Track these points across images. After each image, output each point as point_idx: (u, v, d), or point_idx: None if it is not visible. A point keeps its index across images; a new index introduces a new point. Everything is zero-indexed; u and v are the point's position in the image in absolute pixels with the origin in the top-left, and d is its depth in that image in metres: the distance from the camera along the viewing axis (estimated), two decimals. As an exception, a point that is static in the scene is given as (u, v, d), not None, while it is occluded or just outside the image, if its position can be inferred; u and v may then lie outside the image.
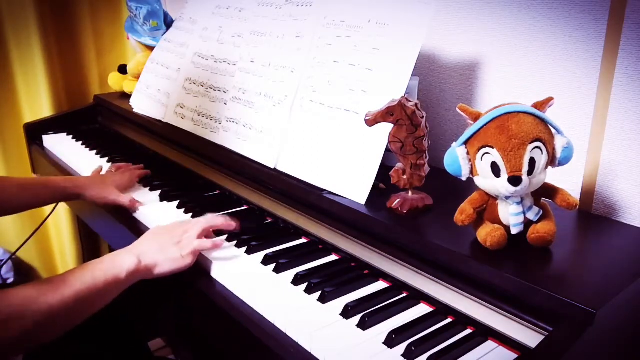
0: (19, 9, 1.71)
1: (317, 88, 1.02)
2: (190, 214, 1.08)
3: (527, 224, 0.74)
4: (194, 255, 0.88)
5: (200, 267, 0.91)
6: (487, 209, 0.75)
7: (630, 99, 0.85)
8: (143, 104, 1.51)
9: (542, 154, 0.70)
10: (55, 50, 1.83)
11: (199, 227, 0.91)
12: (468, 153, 0.74)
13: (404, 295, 0.81)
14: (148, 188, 1.23)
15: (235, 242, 0.96)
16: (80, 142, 1.62)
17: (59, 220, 1.94)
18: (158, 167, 1.36)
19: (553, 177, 0.78)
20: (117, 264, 0.81)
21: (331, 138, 0.97)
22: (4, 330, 0.67)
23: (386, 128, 0.84)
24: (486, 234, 0.73)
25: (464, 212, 0.75)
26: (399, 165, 0.87)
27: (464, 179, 0.75)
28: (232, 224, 0.95)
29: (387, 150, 0.88)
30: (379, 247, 0.85)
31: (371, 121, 0.83)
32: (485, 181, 0.73)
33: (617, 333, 0.71)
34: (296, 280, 0.84)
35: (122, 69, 1.74)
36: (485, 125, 0.71)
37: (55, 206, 1.28)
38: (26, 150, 1.76)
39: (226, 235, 0.97)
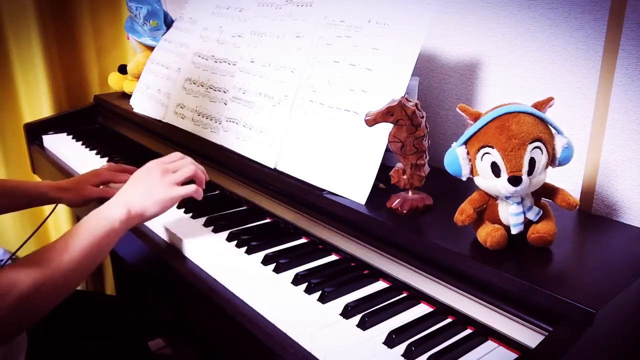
0: (19, 9, 1.71)
1: (317, 88, 1.02)
2: (190, 214, 1.08)
3: (527, 224, 0.74)
4: (180, 197, 0.92)
5: (200, 267, 0.91)
6: (487, 209, 0.76)
7: (630, 99, 0.85)
8: (143, 104, 1.51)
9: (542, 154, 0.70)
10: (55, 50, 1.83)
11: (183, 175, 0.93)
12: (468, 153, 0.74)
13: (404, 295, 0.81)
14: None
15: (235, 242, 0.96)
16: (80, 142, 1.62)
17: (59, 220, 1.94)
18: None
19: (553, 177, 0.78)
20: (110, 216, 0.85)
21: (331, 138, 0.97)
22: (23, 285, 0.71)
23: (386, 128, 0.84)
24: (486, 234, 0.73)
25: (464, 212, 0.75)
26: (399, 165, 0.87)
27: (464, 179, 0.75)
28: (203, 185, 0.99)
29: (387, 150, 0.88)
30: (379, 247, 0.85)
31: (371, 121, 0.83)
32: (485, 181, 0.73)
33: (617, 333, 0.71)
34: (296, 280, 0.84)
35: (122, 69, 1.73)
36: (485, 125, 0.71)
37: (55, 206, 1.28)
38: (26, 150, 1.76)
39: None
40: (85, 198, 1.17)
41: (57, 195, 1.17)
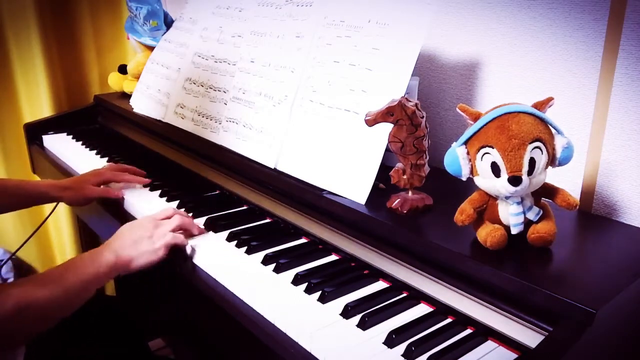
0: (19, 9, 1.71)
1: (317, 88, 1.02)
2: (190, 214, 1.08)
3: (527, 224, 0.74)
4: (167, 248, 0.92)
5: (200, 267, 0.91)
6: (487, 209, 0.75)
7: (630, 99, 0.85)
8: (143, 104, 1.51)
9: (542, 154, 0.70)
10: (55, 50, 1.83)
11: (171, 225, 0.95)
12: (468, 153, 0.74)
13: (404, 295, 0.81)
14: (148, 188, 1.23)
15: (235, 242, 0.96)
16: (80, 142, 1.62)
17: (59, 220, 1.94)
18: (158, 167, 1.36)
19: (553, 177, 0.78)
20: (98, 260, 0.87)
21: (331, 138, 0.97)
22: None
23: (386, 128, 0.84)
24: (486, 234, 0.73)
25: (464, 212, 0.75)
26: (399, 165, 0.87)
27: (464, 179, 0.75)
28: (196, 231, 1.00)
29: (387, 150, 0.88)
30: (379, 247, 0.85)
31: (371, 121, 0.83)
32: (485, 181, 0.73)
33: (617, 333, 0.71)
34: (296, 280, 0.84)
35: (122, 69, 1.74)
36: (485, 125, 0.71)
37: (55, 206, 1.28)
38: (26, 150, 1.76)
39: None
40: (86, 197, 1.17)
41: (58, 194, 1.17)
